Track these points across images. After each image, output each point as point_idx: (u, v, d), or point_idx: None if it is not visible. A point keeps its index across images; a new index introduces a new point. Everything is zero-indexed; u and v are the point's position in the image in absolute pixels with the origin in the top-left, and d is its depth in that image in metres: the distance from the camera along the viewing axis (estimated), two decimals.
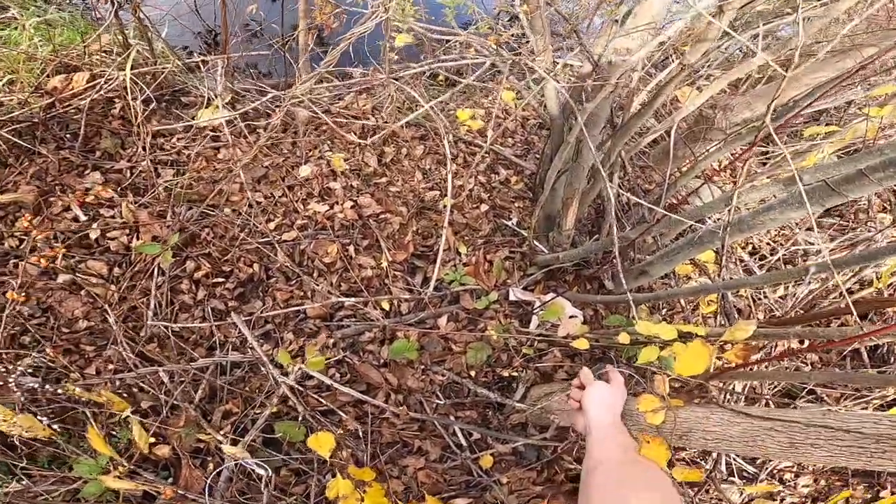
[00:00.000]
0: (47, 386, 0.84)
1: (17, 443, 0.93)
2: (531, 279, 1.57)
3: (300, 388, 1.21)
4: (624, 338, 1.04)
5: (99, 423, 0.98)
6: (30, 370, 0.93)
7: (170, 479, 1.08)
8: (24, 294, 1.07)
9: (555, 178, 1.28)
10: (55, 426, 0.89)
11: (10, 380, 0.86)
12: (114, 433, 1.02)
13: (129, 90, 1.48)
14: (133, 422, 0.94)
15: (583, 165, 1.22)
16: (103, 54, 1.70)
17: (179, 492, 1.02)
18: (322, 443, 0.97)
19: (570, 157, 1.25)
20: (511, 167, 1.79)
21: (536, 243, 1.58)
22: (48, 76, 1.56)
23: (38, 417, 0.75)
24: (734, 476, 1.45)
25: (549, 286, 1.58)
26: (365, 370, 1.31)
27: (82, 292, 1.12)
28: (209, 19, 2.35)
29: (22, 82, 1.54)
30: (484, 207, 1.68)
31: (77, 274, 1.13)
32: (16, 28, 1.71)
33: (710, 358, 0.73)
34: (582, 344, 1.12)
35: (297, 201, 1.48)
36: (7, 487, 0.93)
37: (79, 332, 1.07)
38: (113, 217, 1.27)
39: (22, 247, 1.16)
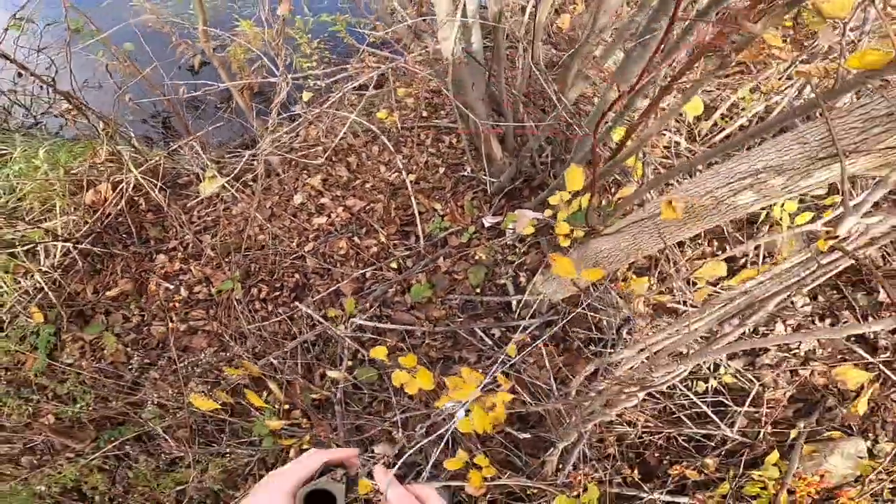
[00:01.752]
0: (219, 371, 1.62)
1: (212, 428, 1.72)
2: (497, 206, 2.30)
3: (359, 337, 1.97)
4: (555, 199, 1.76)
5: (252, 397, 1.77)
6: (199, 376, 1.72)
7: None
8: (163, 344, 1.86)
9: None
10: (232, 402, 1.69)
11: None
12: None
13: (145, 186, 2.24)
14: (272, 385, 1.71)
15: (477, 113, 1.93)
16: (107, 163, 2.44)
17: (315, 435, 1.80)
18: (379, 352, 1.72)
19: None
20: (451, 133, 2.50)
21: (488, 177, 2.30)
22: (79, 196, 2.31)
23: (223, 388, 1.53)
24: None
25: (512, 205, 2.31)
26: (399, 316, 2.07)
27: (199, 332, 1.90)
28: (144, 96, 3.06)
29: (64, 206, 2.30)
30: (442, 170, 2.40)
31: (190, 322, 1.91)
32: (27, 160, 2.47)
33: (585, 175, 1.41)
34: (528, 230, 1.84)
35: (303, 222, 2.23)
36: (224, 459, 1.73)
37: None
38: (189, 279, 2.05)
39: (145, 319, 1.95)
